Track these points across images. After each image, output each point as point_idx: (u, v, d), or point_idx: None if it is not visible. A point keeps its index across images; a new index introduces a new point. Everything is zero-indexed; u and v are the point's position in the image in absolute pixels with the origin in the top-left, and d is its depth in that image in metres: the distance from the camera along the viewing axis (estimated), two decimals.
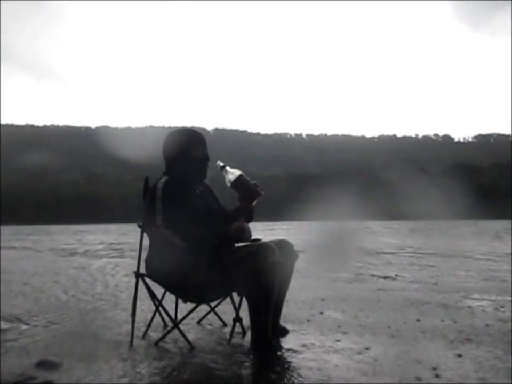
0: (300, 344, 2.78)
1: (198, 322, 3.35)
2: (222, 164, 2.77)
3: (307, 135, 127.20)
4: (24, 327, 3.29)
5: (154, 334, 3.01)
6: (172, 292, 2.89)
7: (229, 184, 2.72)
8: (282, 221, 35.71)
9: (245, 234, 2.61)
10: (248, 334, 2.79)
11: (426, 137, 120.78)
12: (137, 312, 2.90)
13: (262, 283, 2.53)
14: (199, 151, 2.86)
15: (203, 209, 2.79)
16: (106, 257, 9.21)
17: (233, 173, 2.73)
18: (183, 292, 2.78)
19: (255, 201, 2.79)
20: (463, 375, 2.22)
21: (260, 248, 2.61)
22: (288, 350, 2.66)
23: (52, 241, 15.87)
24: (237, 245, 2.86)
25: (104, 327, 3.26)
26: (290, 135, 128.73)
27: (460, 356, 2.52)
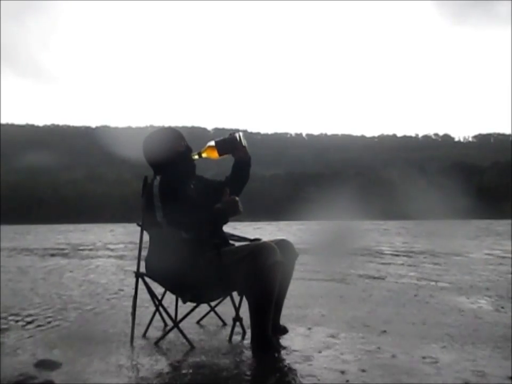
0: (300, 343, 2.78)
1: (198, 322, 3.35)
2: (196, 157, 2.83)
3: (307, 135, 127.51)
4: (24, 327, 3.28)
5: (154, 334, 3.01)
6: (172, 292, 2.88)
7: (218, 156, 2.80)
8: (282, 221, 35.73)
9: (235, 205, 2.63)
10: (248, 334, 2.78)
11: (426, 137, 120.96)
12: (137, 312, 2.90)
13: (262, 283, 2.53)
14: (183, 144, 2.90)
15: (199, 200, 2.79)
16: (105, 257, 9.21)
17: (208, 146, 2.81)
18: (183, 291, 2.78)
19: (244, 146, 2.85)
20: (462, 375, 2.22)
21: (260, 247, 2.61)
22: (288, 349, 2.66)
23: (51, 240, 15.87)
24: (237, 244, 2.87)
25: (104, 327, 3.26)
26: (291, 134, 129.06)
27: (458, 356, 2.51)
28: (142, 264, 2.88)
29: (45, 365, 2.38)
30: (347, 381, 2.14)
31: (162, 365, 2.45)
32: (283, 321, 2.99)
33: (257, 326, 2.60)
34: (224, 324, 3.27)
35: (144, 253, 2.88)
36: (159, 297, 2.95)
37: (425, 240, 13.63)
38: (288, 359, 2.49)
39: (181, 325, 2.81)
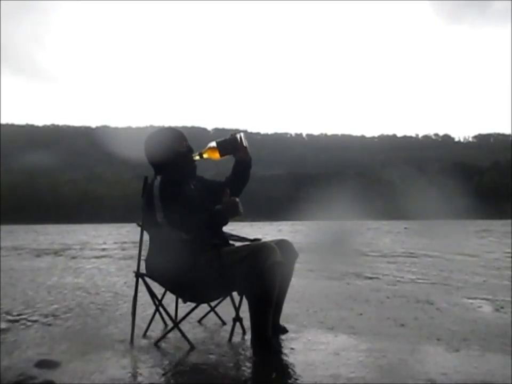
0: (299, 343, 2.78)
1: (198, 321, 3.35)
2: (197, 157, 2.84)
3: (307, 135, 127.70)
4: (24, 326, 3.29)
5: (154, 334, 3.01)
6: (172, 292, 2.89)
7: (219, 157, 2.81)
8: (282, 221, 35.73)
9: (236, 206, 2.62)
10: (248, 334, 2.78)
11: (426, 137, 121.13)
12: (137, 312, 2.90)
13: (262, 283, 2.53)
14: (184, 145, 2.90)
15: (199, 201, 2.79)
16: (104, 257, 9.21)
17: (209, 146, 2.82)
18: (183, 291, 2.78)
19: (245, 146, 2.85)
20: (462, 375, 2.22)
21: (260, 248, 2.61)
22: (288, 349, 2.66)
23: (49, 240, 15.87)
24: (237, 245, 2.87)
25: (104, 327, 3.26)
26: (291, 134, 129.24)
27: (458, 357, 2.51)
28: (142, 264, 2.89)
29: (45, 365, 2.38)
30: (344, 381, 2.15)
31: (162, 365, 2.45)
32: (283, 321, 2.99)
33: (257, 326, 2.60)
34: (224, 324, 3.27)
35: (144, 253, 2.88)
36: (159, 297, 2.96)
37: (424, 240, 13.62)
38: (288, 359, 2.49)
39: (181, 325, 2.81)
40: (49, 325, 3.35)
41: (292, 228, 23.29)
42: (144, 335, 3.00)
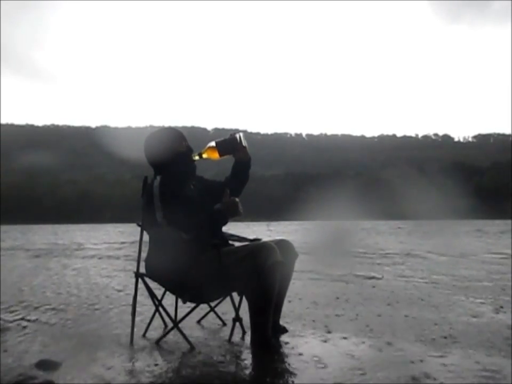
0: (299, 343, 2.78)
1: (198, 322, 3.35)
2: (197, 157, 2.84)
3: (307, 135, 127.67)
4: (24, 326, 3.29)
5: (154, 334, 3.01)
6: (172, 292, 2.89)
7: (219, 157, 2.81)
8: (282, 221, 35.73)
9: (235, 206, 2.62)
10: (248, 334, 2.79)
11: (426, 137, 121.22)
12: (137, 312, 2.91)
13: (262, 283, 2.53)
14: (184, 145, 2.91)
15: (199, 201, 2.80)
16: (105, 257, 9.20)
17: (209, 146, 2.82)
18: (183, 291, 2.78)
19: (244, 146, 2.86)
20: (456, 376, 2.22)
21: (260, 248, 2.61)
22: (288, 349, 2.67)
23: (46, 240, 15.87)
24: (237, 245, 2.87)
25: (104, 327, 3.27)
26: (290, 134, 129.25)
27: (453, 357, 2.51)
28: (142, 264, 2.89)
29: (45, 365, 2.39)
30: (344, 380, 2.15)
31: (162, 365, 2.46)
32: (282, 321, 3.00)
33: (257, 326, 2.60)
34: (224, 324, 3.27)
35: (144, 253, 2.88)
36: (159, 297, 2.96)
37: (424, 240, 13.63)
38: (288, 359, 2.50)
39: (180, 325, 2.81)
40: (49, 325, 3.35)
41: (286, 228, 23.20)
42: (144, 335, 3.01)
